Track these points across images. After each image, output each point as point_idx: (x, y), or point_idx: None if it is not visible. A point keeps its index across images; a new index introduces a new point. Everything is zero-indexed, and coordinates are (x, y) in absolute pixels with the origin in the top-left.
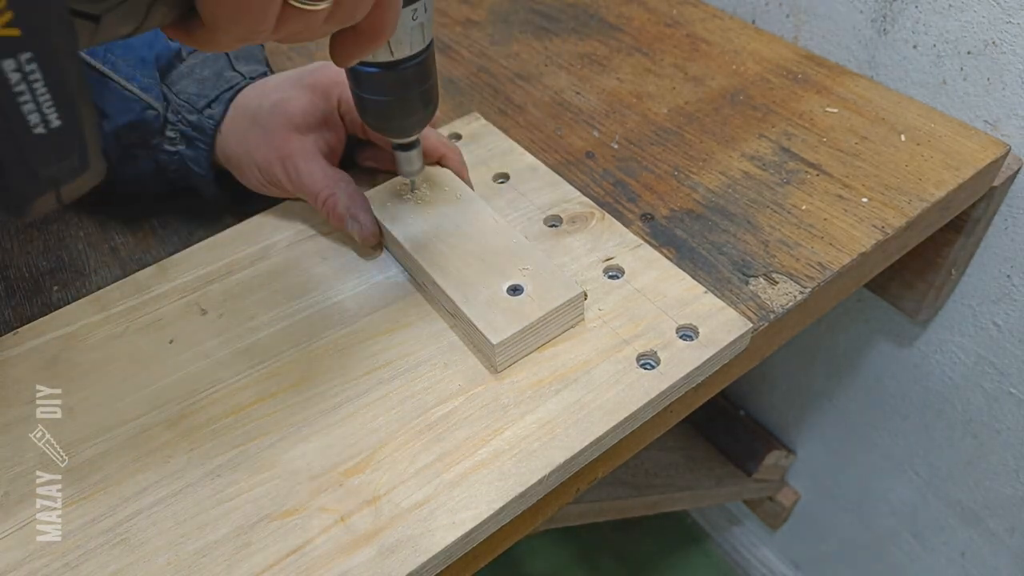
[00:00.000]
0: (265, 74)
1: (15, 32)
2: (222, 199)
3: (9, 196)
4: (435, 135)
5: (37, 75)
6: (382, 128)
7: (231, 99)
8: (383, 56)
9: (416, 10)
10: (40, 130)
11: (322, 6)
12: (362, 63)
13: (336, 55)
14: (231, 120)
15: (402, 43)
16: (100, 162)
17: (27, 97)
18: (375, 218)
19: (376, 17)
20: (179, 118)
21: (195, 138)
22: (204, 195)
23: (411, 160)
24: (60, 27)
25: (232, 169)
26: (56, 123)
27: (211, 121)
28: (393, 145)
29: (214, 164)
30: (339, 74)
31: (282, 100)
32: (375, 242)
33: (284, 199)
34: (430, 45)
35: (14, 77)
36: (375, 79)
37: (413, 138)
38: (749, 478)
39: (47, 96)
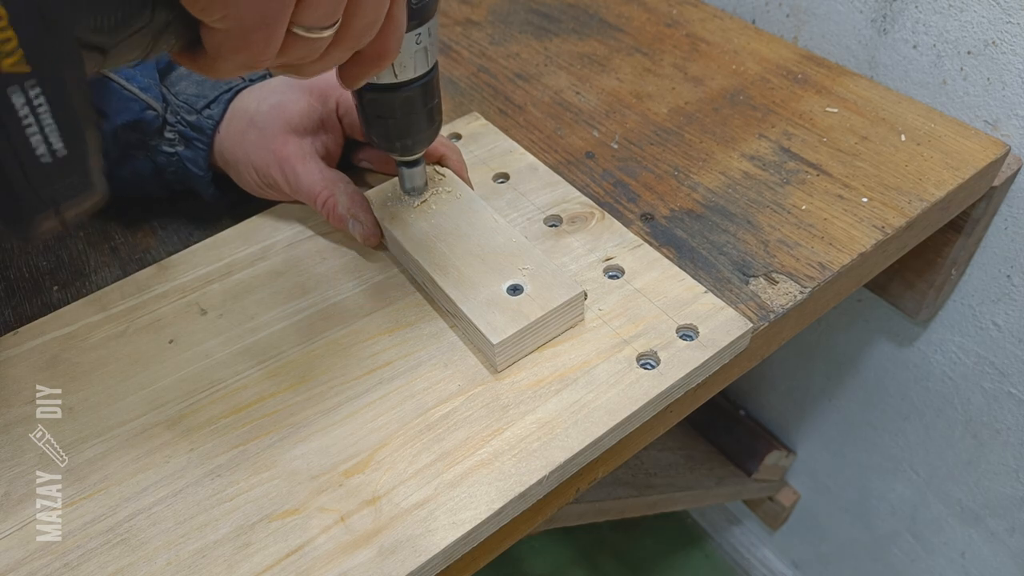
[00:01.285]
0: (265, 76)
1: (24, 68)
2: (220, 201)
3: (14, 219)
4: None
5: (45, 107)
6: (387, 147)
7: (230, 99)
8: (387, 79)
9: (420, 34)
10: (46, 159)
11: (326, 34)
12: (367, 85)
13: (342, 78)
14: (229, 122)
15: (406, 67)
16: (103, 183)
17: (34, 128)
18: (376, 218)
19: (380, 41)
20: (178, 119)
21: (194, 138)
22: (202, 197)
23: (414, 176)
24: (68, 60)
25: (230, 171)
26: (62, 152)
27: (210, 121)
28: (397, 162)
29: (212, 166)
30: None
31: (280, 103)
32: (377, 242)
33: (282, 202)
34: (434, 67)
35: (22, 110)
36: (380, 101)
37: (417, 156)
38: (749, 478)
39: (53, 126)
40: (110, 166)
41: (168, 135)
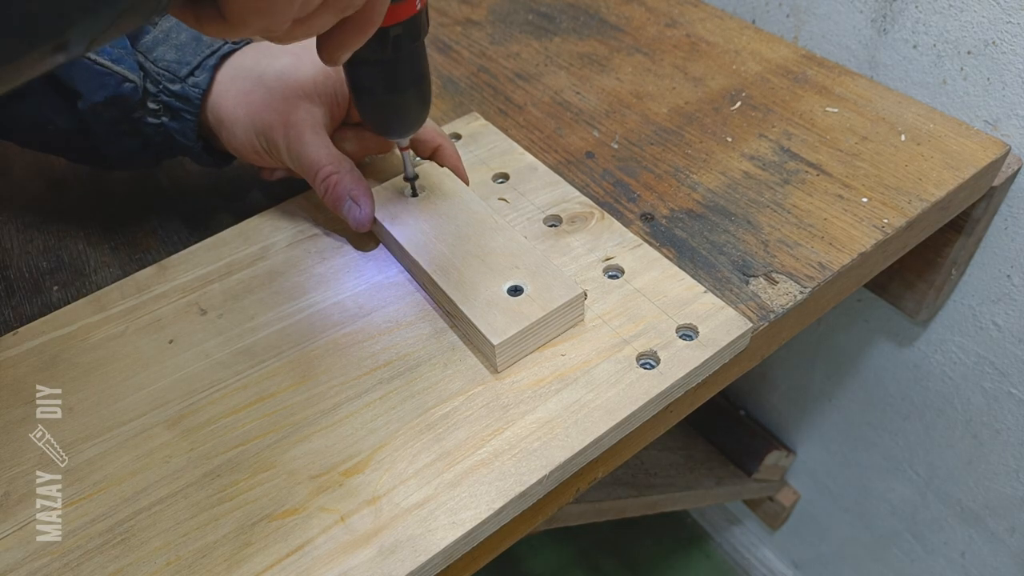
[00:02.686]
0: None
1: None
2: (215, 168)
3: None
4: (431, 124)
5: None
6: (384, 130)
7: (216, 65)
8: (377, 53)
9: None
10: None
11: None
12: (358, 64)
13: (325, 50)
14: (229, 80)
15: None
16: None
17: None
18: (373, 205)
19: (369, 4)
20: (160, 88)
21: (180, 109)
22: (194, 162)
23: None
24: None
25: (223, 131)
26: None
27: (196, 90)
28: (399, 147)
29: (202, 133)
30: None
31: (294, 65)
32: (367, 229)
33: (273, 179)
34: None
35: None
36: (374, 76)
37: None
38: (749, 478)
39: None
40: (97, 145)
41: (151, 105)
